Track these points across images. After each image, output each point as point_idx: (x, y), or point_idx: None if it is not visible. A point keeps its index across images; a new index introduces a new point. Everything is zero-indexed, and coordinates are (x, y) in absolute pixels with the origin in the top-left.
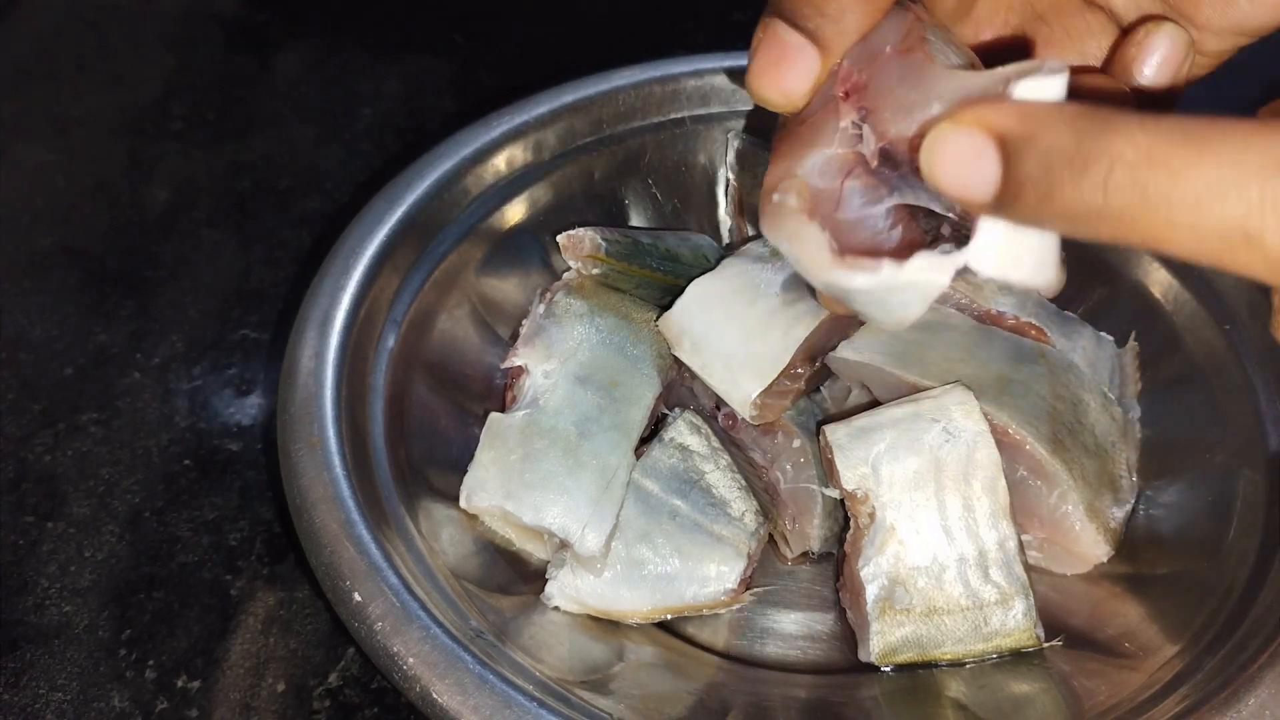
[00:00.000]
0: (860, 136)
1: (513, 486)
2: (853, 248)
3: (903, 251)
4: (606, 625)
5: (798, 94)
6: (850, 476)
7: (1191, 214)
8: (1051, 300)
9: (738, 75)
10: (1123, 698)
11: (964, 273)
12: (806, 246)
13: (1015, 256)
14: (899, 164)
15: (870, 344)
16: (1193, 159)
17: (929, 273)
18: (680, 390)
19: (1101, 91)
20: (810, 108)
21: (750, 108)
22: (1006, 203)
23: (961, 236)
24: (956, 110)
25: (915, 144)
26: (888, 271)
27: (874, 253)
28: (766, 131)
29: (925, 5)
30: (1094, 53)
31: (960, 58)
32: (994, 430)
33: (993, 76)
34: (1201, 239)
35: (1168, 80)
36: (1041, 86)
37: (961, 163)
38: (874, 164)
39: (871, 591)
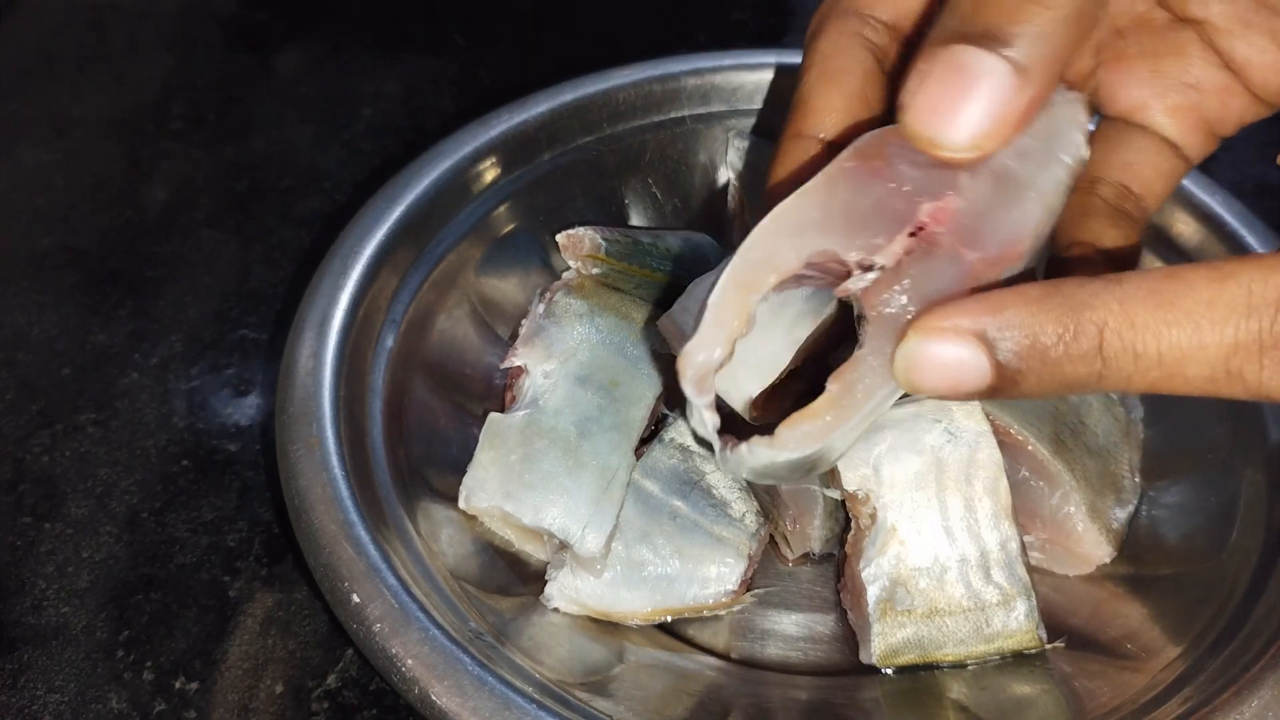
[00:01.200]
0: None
1: (512, 487)
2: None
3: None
4: (606, 627)
5: (989, 132)
6: (851, 477)
7: (1180, 365)
8: None
9: (738, 73)
10: (1125, 699)
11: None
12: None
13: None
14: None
15: None
16: (1172, 319)
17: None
18: (681, 390)
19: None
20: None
21: (753, 106)
22: (1005, 389)
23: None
24: (920, 316)
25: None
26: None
27: None
28: (767, 130)
29: None
30: (1175, 75)
31: None
32: (996, 431)
33: None
34: (1192, 382)
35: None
36: None
37: (949, 370)
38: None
39: (873, 593)
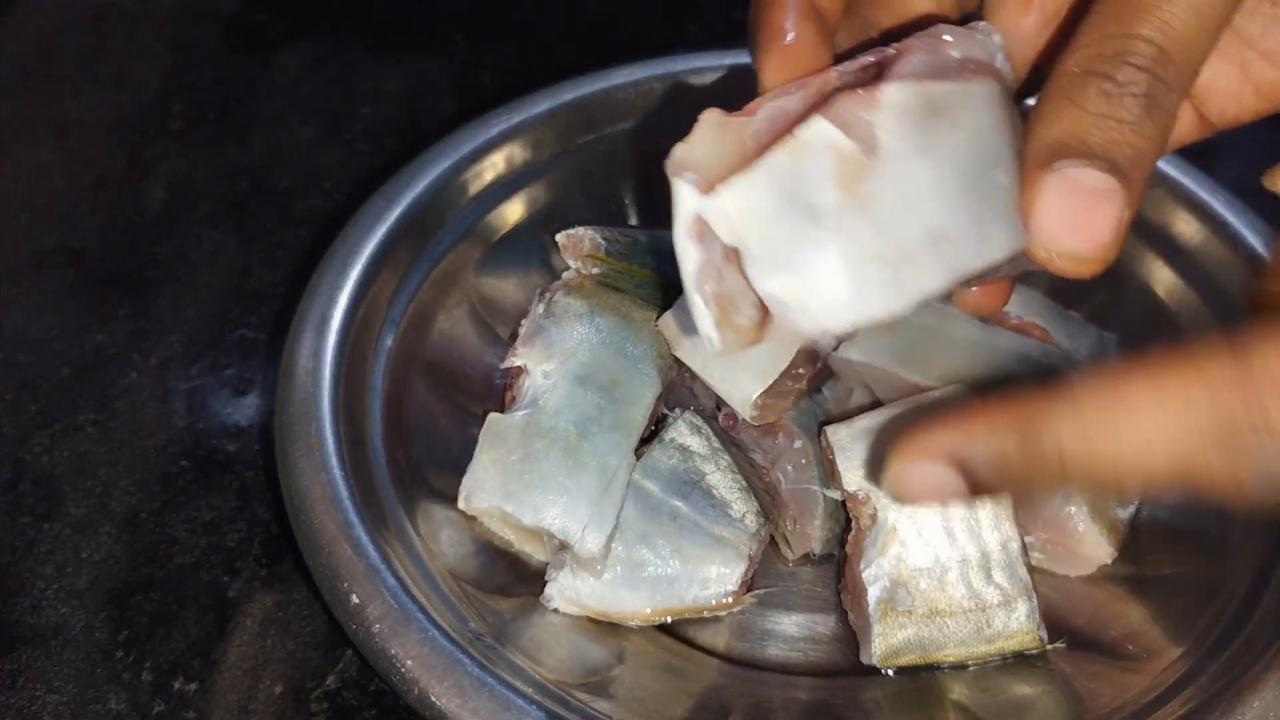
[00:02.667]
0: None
1: (512, 487)
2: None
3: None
4: (606, 627)
5: (1114, 243)
6: (852, 478)
7: (1135, 466)
8: (1055, 300)
9: (739, 73)
10: (1126, 700)
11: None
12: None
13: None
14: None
15: (873, 344)
16: (1123, 422)
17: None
18: (680, 390)
19: None
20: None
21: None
22: (984, 494)
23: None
24: (897, 446)
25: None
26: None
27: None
28: None
29: None
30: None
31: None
32: None
33: None
34: (1143, 481)
35: None
36: None
37: (928, 489)
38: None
39: (873, 593)
